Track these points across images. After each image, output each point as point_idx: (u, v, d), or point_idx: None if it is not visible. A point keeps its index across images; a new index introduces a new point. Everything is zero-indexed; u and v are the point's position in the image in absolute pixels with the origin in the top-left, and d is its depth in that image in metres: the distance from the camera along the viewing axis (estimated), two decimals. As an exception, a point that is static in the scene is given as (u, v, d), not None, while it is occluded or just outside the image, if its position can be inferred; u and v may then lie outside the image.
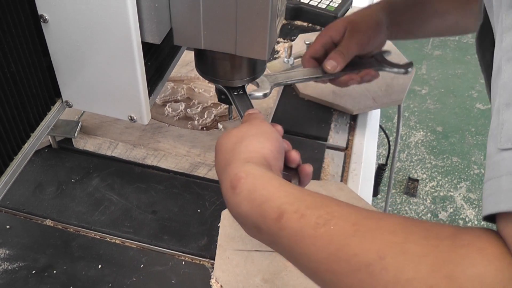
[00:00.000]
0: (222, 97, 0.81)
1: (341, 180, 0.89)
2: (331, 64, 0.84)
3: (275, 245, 0.53)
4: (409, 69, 0.93)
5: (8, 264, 0.74)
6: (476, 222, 2.29)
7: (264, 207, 0.52)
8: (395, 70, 0.93)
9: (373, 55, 0.91)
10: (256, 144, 0.61)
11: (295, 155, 0.65)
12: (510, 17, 0.46)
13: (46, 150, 0.91)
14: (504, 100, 0.44)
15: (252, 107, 0.76)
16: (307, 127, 0.99)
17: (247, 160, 0.58)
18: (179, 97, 1.00)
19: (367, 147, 0.98)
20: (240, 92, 0.78)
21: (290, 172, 0.66)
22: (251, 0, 0.61)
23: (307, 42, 1.10)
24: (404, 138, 2.69)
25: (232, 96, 0.77)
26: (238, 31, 0.65)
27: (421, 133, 2.72)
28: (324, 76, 0.87)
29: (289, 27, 1.29)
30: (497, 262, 0.40)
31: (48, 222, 0.80)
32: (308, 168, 0.65)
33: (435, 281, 0.40)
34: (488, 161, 0.43)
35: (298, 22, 1.31)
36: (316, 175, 0.88)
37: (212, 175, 0.87)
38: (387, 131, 1.47)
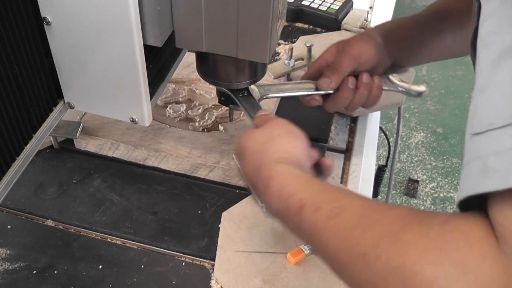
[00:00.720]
0: (222, 99, 0.82)
1: (341, 182, 0.90)
2: (325, 81, 0.80)
3: (300, 237, 0.57)
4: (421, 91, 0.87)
5: (9, 264, 0.74)
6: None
7: (288, 202, 0.57)
8: (405, 91, 0.87)
9: (380, 76, 0.86)
10: (287, 144, 0.65)
11: (314, 152, 0.68)
12: (488, 7, 0.47)
13: (47, 151, 0.92)
14: (479, 85, 0.44)
15: (260, 107, 0.77)
16: (308, 129, 0.98)
17: (278, 161, 0.62)
18: (180, 99, 1.00)
19: (367, 149, 0.99)
20: (245, 94, 0.79)
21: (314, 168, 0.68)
22: (252, 4, 0.62)
23: (308, 44, 1.10)
24: (404, 139, 2.69)
25: (238, 98, 0.78)
26: (239, 34, 0.65)
27: (422, 134, 2.73)
28: (317, 91, 0.82)
29: (290, 29, 1.30)
30: (480, 244, 0.40)
31: (49, 222, 0.81)
32: (328, 161, 0.68)
33: (420, 267, 0.41)
34: (465, 150, 0.44)
35: (299, 24, 1.31)
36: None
37: (213, 176, 0.87)
38: (387, 132, 1.48)
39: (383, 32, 0.85)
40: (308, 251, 0.74)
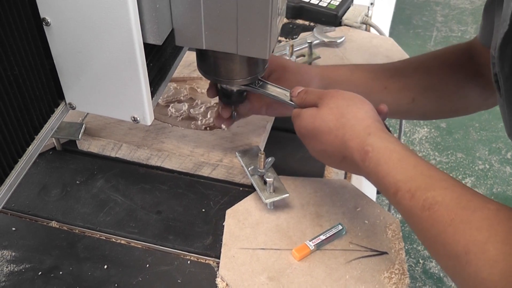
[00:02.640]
0: (224, 98, 0.82)
1: (345, 178, 0.90)
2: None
3: (397, 212, 0.63)
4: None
5: (14, 266, 0.74)
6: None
7: (384, 181, 0.62)
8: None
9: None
10: (361, 112, 0.68)
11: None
12: None
13: (50, 153, 0.92)
14: None
15: (279, 87, 0.79)
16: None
17: (367, 132, 0.66)
18: (182, 98, 1.00)
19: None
20: (261, 83, 0.79)
21: None
22: (252, 1, 0.62)
23: (308, 41, 1.10)
24: (408, 135, 2.68)
25: (257, 89, 0.78)
26: (239, 31, 0.65)
27: (425, 129, 2.72)
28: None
29: (290, 26, 1.30)
30: None
31: (54, 223, 0.81)
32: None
33: (503, 285, 0.47)
34: None
35: (300, 21, 1.31)
36: (320, 173, 0.89)
37: (216, 174, 0.87)
38: (391, 128, 1.47)
39: (323, 84, 0.85)
40: (313, 247, 0.74)
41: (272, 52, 0.71)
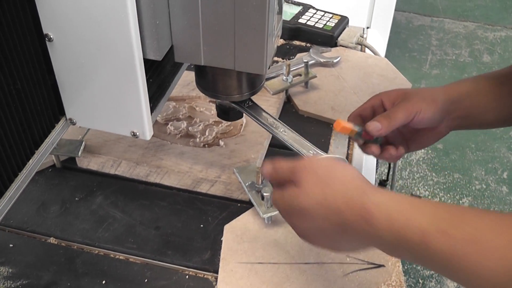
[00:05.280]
0: (222, 114, 0.83)
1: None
2: (374, 125, 0.77)
3: (424, 263, 0.55)
4: None
5: (11, 282, 0.74)
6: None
7: (404, 232, 0.54)
8: None
9: None
10: (347, 176, 0.61)
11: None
12: None
13: (49, 170, 0.92)
14: None
15: (267, 112, 0.80)
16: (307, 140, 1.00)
17: (361, 192, 0.59)
18: (181, 116, 1.01)
19: (366, 161, 1.00)
20: (250, 104, 0.80)
21: None
22: (248, 17, 0.63)
23: (305, 60, 1.12)
24: (405, 156, 2.69)
25: (245, 109, 0.79)
26: (236, 47, 0.67)
27: (422, 151, 2.73)
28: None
29: (287, 47, 1.31)
30: None
31: (52, 240, 0.81)
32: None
33: None
34: None
35: (297, 42, 1.33)
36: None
37: (215, 190, 0.88)
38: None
39: (450, 99, 0.81)
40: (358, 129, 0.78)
41: (269, 68, 0.72)
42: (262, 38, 0.65)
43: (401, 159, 2.61)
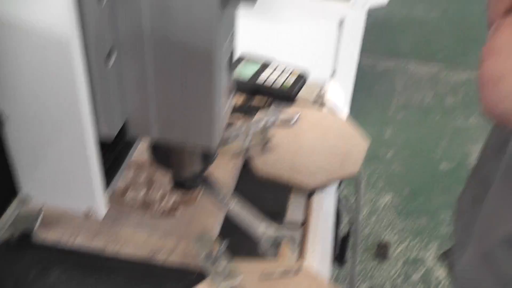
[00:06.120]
0: (178, 185, 0.84)
1: (299, 256, 0.91)
2: None
3: None
4: None
5: None
6: (447, 283, 2.30)
7: None
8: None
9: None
10: None
11: None
12: None
13: (3, 245, 0.91)
14: None
15: (220, 185, 0.80)
16: (264, 203, 1.01)
17: None
18: (140, 181, 1.02)
19: (325, 221, 1.01)
20: (204, 176, 0.81)
21: None
22: (198, 94, 0.65)
23: (263, 121, 1.14)
24: (372, 201, 2.72)
25: (198, 181, 0.80)
26: (187, 121, 0.68)
27: (389, 196, 2.76)
28: None
29: (247, 105, 1.33)
30: None
31: (6, 319, 0.80)
32: None
33: None
34: None
35: (257, 100, 1.35)
36: (274, 253, 0.90)
37: (172, 261, 0.88)
38: (352, 197, 1.50)
39: None
40: None
41: (219, 140, 0.74)
42: (211, 113, 0.67)
43: (368, 205, 2.64)
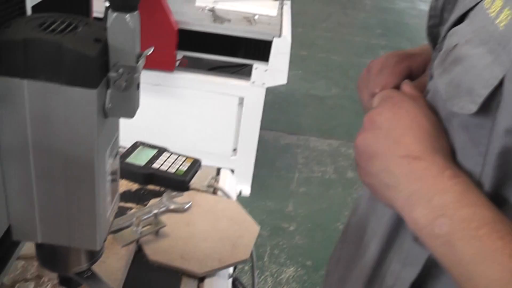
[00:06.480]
0: (64, 282, 0.85)
1: None
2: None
3: (452, 247, 0.60)
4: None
5: None
6: None
7: (469, 211, 0.59)
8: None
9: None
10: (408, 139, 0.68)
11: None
12: None
13: None
14: None
15: (106, 283, 0.82)
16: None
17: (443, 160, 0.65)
18: (28, 276, 1.02)
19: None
20: (89, 274, 0.83)
21: None
22: (80, 199, 0.69)
23: (154, 211, 1.17)
24: (275, 275, 2.77)
25: (84, 279, 0.82)
26: (70, 226, 0.71)
27: (292, 269, 2.82)
28: None
29: (142, 192, 1.37)
30: None
31: None
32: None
33: None
34: None
35: (151, 187, 1.39)
36: None
37: None
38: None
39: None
40: None
41: (105, 241, 0.77)
42: (93, 218, 0.71)
43: (270, 278, 2.68)
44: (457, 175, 0.62)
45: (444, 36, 0.70)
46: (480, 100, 0.58)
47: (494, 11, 0.59)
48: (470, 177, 0.63)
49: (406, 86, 0.78)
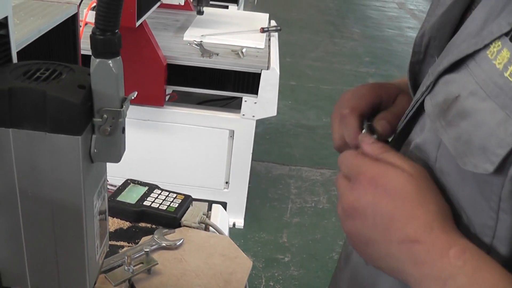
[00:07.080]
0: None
1: None
2: (383, 125, 0.81)
3: None
4: None
5: None
6: None
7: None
8: None
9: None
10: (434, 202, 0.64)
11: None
12: None
13: None
14: None
15: None
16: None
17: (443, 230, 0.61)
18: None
19: None
20: None
21: None
22: (68, 246, 0.69)
23: (145, 249, 1.17)
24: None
25: None
26: (59, 270, 0.71)
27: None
28: None
29: (133, 229, 1.37)
30: None
31: None
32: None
33: None
34: None
35: (142, 224, 1.39)
36: None
37: None
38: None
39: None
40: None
41: (95, 284, 0.77)
42: (82, 262, 0.71)
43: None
44: (463, 250, 0.60)
45: (436, 81, 0.67)
46: (497, 160, 0.56)
47: (501, 63, 0.56)
48: (482, 230, 0.62)
49: (367, 146, 0.76)
